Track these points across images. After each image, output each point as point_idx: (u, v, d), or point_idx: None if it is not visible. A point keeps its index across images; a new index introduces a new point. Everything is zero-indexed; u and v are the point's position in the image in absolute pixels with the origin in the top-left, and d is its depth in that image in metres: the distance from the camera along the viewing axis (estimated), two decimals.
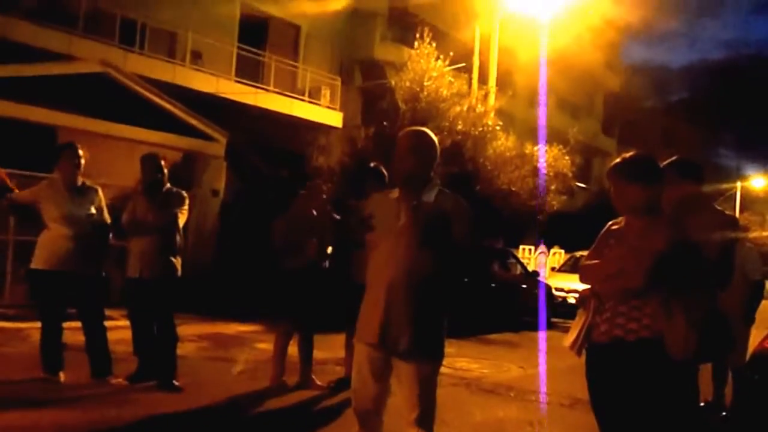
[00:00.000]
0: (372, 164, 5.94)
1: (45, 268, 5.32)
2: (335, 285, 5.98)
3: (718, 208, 4.20)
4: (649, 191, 2.97)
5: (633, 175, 2.99)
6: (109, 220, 5.65)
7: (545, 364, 8.44)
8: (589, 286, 3.11)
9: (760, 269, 6.80)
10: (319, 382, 6.01)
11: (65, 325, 5.53)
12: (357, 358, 3.18)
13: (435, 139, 3.19)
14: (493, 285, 12.29)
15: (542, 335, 11.51)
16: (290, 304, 5.91)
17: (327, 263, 6.13)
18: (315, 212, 6.01)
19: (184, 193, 5.71)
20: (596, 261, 3.06)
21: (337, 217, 6.23)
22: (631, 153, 3.12)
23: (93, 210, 5.49)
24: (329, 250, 6.11)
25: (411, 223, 2.99)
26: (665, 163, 4.00)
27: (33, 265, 5.36)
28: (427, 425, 3.05)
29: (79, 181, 5.51)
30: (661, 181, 3.04)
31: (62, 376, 5.39)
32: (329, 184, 13.22)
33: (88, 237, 5.39)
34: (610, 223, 3.13)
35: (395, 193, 3.17)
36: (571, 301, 12.78)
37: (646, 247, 2.86)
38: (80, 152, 5.48)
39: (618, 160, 3.12)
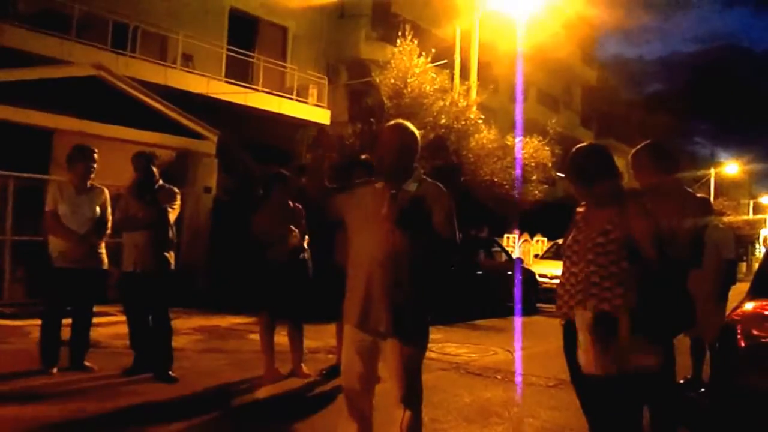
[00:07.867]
0: (362, 157, 5.94)
1: (59, 265, 5.52)
2: (320, 273, 6.02)
3: (689, 190, 4.26)
4: (593, 189, 3.13)
5: (574, 178, 3.20)
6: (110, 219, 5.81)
7: (530, 347, 8.53)
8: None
9: (734, 249, 6.89)
10: (306, 371, 6.03)
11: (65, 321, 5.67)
12: (345, 340, 3.27)
13: (416, 131, 3.27)
14: (479, 272, 12.44)
15: (526, 320, 11.61)
16: (273, 295, 5.88)
17: (306, 254, 6.07)
18: (291, 203, 6.02)
19: (175, 189, 5.79)
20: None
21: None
22: (574, 151, 3.23)
23: (98, 210, 5.69)
24: (306, 240, 6.06)
25: (391, 211, 3.03)
26: (637, 148, 4.12)
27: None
28: (414, 405, 3.10)
29: (88, 182, 5.72)
30: (596, 178, 3.13)
31: (55, 370, 5.51)
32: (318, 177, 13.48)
33: (93, 235, 5.61)
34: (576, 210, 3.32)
35: (380, 184, 3.23)
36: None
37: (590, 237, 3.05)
38: (92, 155, 5.69)
39: (569, 158, 3.24)
